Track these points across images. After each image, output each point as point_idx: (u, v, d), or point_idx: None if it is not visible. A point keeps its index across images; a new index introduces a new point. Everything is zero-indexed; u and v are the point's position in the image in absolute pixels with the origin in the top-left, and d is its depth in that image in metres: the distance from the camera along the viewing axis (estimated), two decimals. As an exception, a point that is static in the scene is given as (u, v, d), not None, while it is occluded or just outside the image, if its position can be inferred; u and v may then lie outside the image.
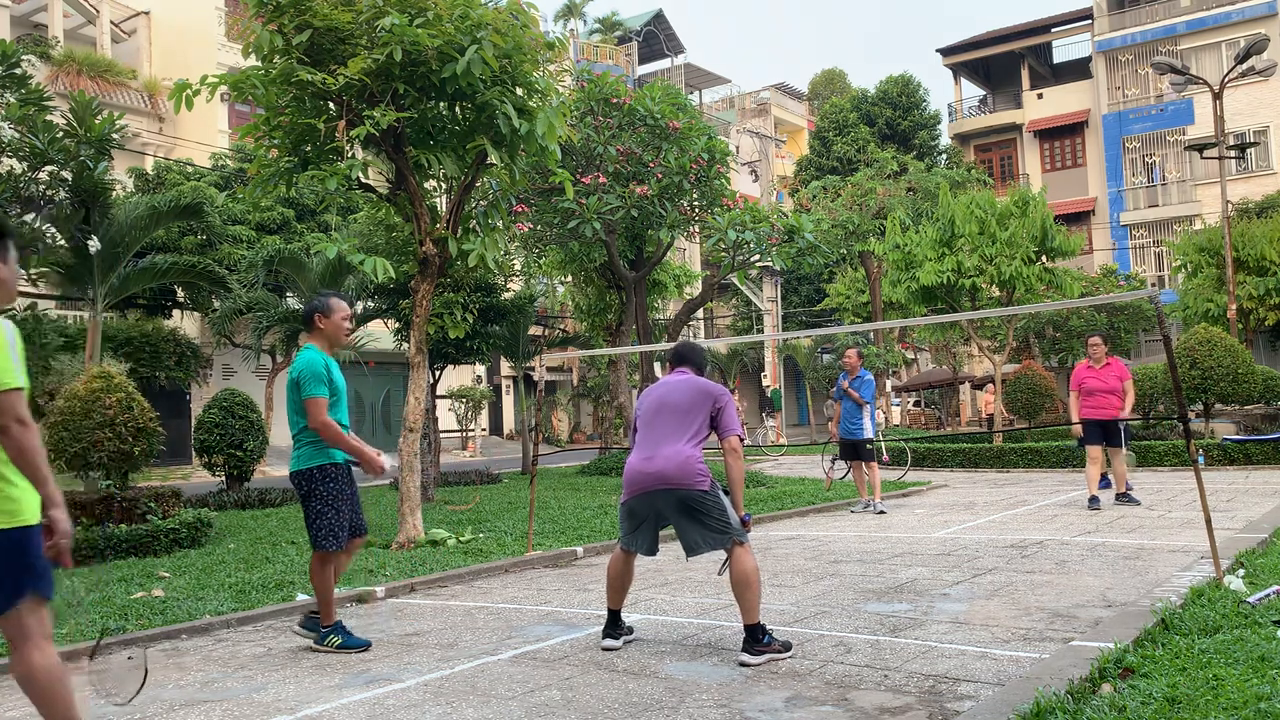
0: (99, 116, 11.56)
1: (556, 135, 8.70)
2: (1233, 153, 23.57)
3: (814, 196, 30.18)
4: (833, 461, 14.60)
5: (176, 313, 23.59)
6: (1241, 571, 6.13)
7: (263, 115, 8.81)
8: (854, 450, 11.80)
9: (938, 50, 42.97)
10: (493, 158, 8.87)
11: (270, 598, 6.78)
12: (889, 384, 33.87)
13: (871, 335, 30.51)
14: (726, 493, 5.15)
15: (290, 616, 6.44)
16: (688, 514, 5.05)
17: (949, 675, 4.49)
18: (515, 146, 8.94)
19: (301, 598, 6.68)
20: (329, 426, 5.38)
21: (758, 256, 16.12)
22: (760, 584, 5.02)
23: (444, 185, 11.23)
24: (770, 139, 47.76)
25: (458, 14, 8.15)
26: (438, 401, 17.16)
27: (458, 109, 9.09)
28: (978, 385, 36.15)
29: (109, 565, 8.39)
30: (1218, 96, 20.98)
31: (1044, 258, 19.39)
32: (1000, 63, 42.49)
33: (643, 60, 48.11)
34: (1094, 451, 10.79)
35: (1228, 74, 21.21)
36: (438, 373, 17.07)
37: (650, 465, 5.10)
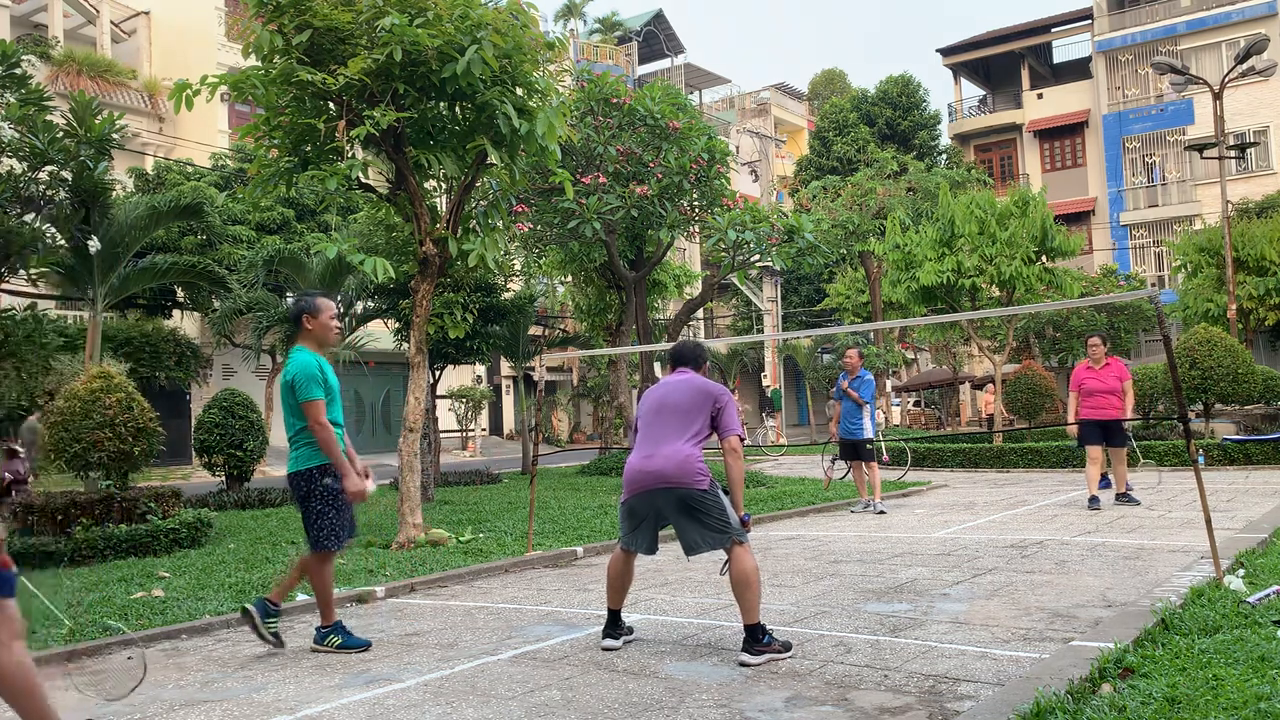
0: (99, 116, 11.55)
1: (556, 135, 8.70)
2: (1233, 153, 23.58)
3: (814, 196, 30.17)
4: (832, 461, 14.61)
5: (176, 313, 23.59)
6: (1241, 571, 6.13)
7: (263, 115, 8.81)
8: (854, 450, 11.80)
9: (938, 50, 42.99)
10: (493, 158, 8.87)
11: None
12: (889, 384, 33.87)
13: (871, 335, 30.51)
14: (726, 492, 5.15)
15: (291, 616, 6.44)
16: (687, 513, 5.05)
17: (949, 675, 4.49)
18: (515, 146, 8.94)
19: (302, 598, 6.68)
20: (326, 428, 5.37)
21: (758, 256, 16.12)
22: (760, 584, 5.02)
23: (444, 185, 11.23)
24: (770, 139, 47.76)
25: (458, 14, 8.15)
26: (438, 401, 17.17)
27: (458, 109, 9.09)
28: (978, 385, 36.15)
29: (109, 565, 8.40)
30: (1218, 96, 20.98)
31: (1044, 258, 19.38)
32: (1000, 63, 42.50)
33: (643, 60, 48.11)
34: (1094, 452, 10.78)
35: (1228, 74, 21.21)
36: (438, 373, 17.07)
37: (650, 464, 5.11)
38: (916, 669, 4.61)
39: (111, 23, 31.63)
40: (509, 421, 37.65)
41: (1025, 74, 41.20)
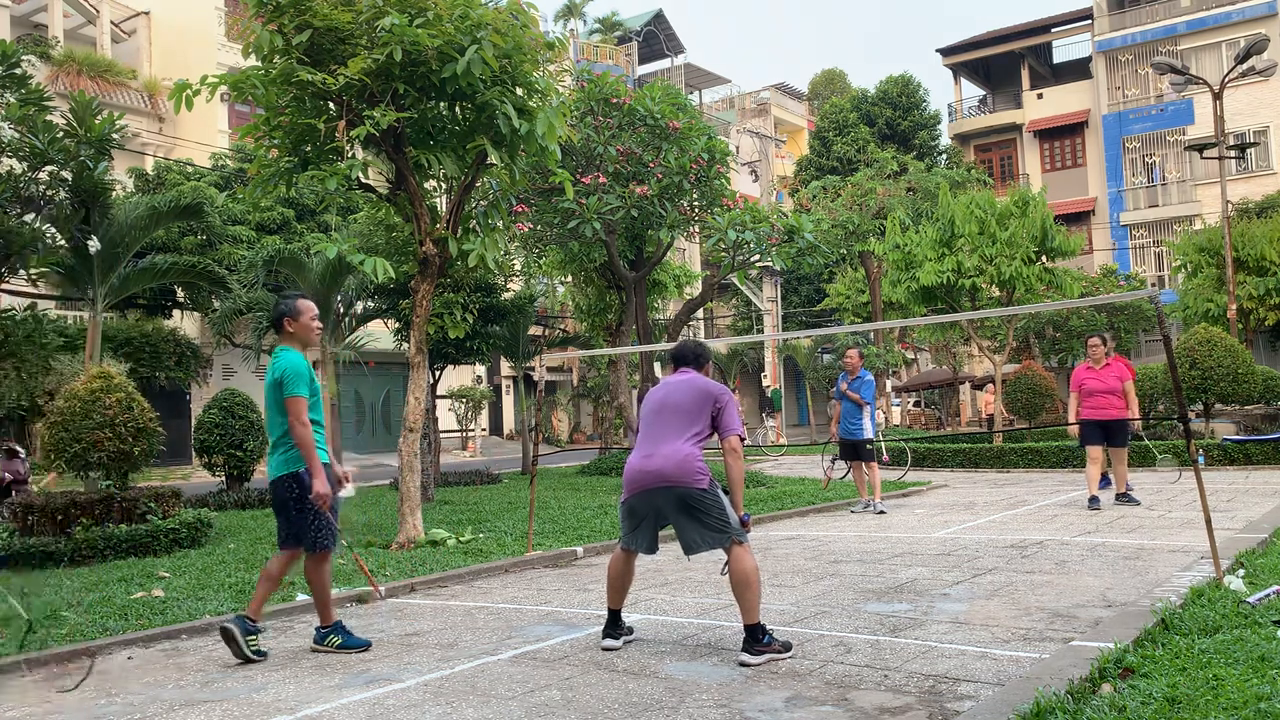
0: (99, 116, 11.55)
1: (556, 135, 8.69)
2: (1233, 153, 23.58)
3: (814, 196, 30.17)
4: (832, 461, 14.60)
5: (176, 313, 23.58)
6: (1241, 571, 6.13)
7: (263, 115, 8.81)
8: (854, 450, 11.80)
9: (938, 50, 42.98)
10: (493, 158, 8.87)
11: (270, 598, 6.77)
12: (889, 384, 33.86)
13: (871, 335, 30.51)
14: (726, 492, 5.15)
15: (291, 616, 6.45)
16: (686, 512, 5.06)
17: (949, 675, 4.49)
18: (515, 146, 8.94)
19: (302, 598, 6.68)
20: (307, 427, 5.34)
21: (758, 256, 16.12)
22: (760, 584, 5.02)
23: (444, 185, 11.22)
24: (770, 139, 47.76)
25: (458, 14, 8.15)
26: (438, 401, 17.17)
27: (458, 109, 9.09)
28: (978, 385, 36.14)
29: (109, 565, 8.40)
30: (1218, 96, 20.98)
31: (1044, 258, 19.38)
32: (1000, 63, 42.50)
33: (643, 60, 48.11)
34: (1094, 452, 10.78)
35: (1228, 74, 21.21)
36: (438, 373, 17.07)
37: (649, 463, 5.12)
38: (916, 669, 4.61)
39: (111, 23, 31.63)
40: (509, 421, 37.65)
41: (1025, 74, 41.20)
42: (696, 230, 17.38)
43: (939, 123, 42.61)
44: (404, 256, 12.95)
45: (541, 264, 19.00)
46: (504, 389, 36.82)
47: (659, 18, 47.73)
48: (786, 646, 4.94)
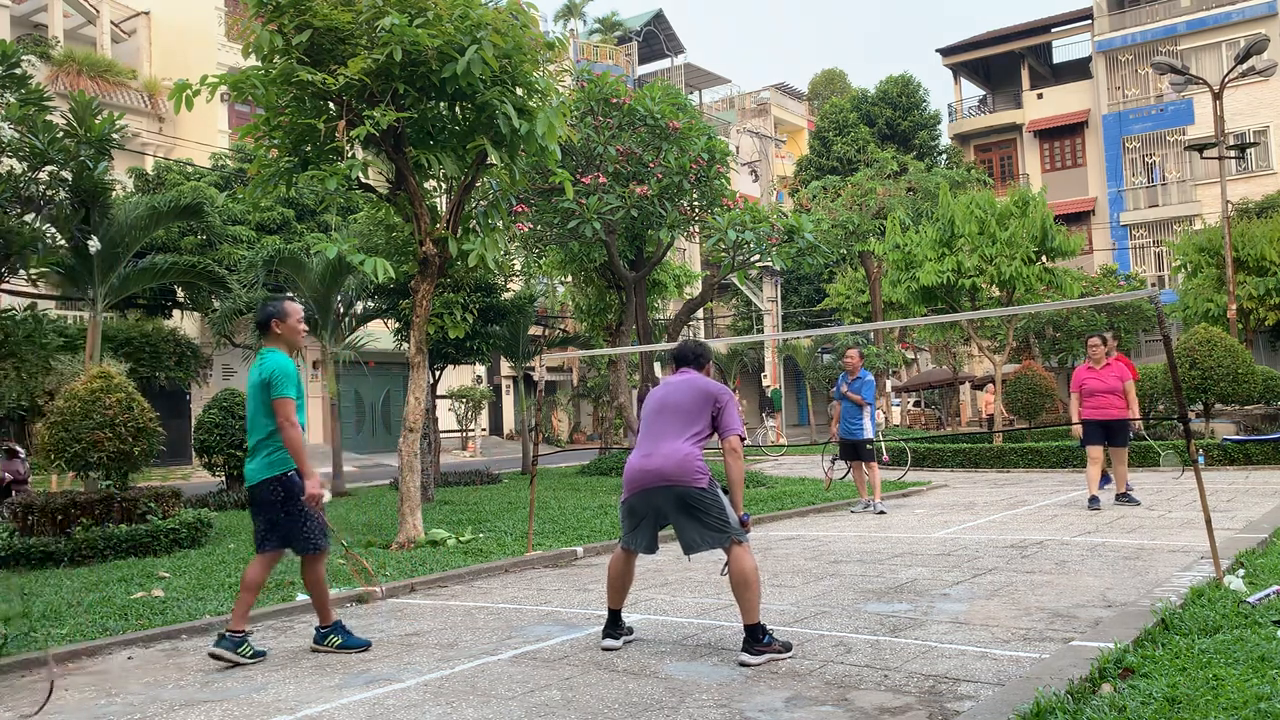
0: (99, 116, 11.54)
1: (556, 135, 8.70)
2: (1233, 153, 23.57)
3: (814, 196, 30.17)
4: (832, 461, 14.60)
5: (176, 313, 23.57)
6: (1241, 571, 6.13)
7: (263, 115, 8.81)
8: (854, 450, 11.80)
9: (938, 50, 42.98)
10: (493, 158, 8.87)
11: (270, 598, 6.78)
12: (889, 384, 33.87)
13: (871, 335, 30.51)
14: (726, 492, 5.15)
15: (291, 616, 6.45)
16: (686, 511, 5.06)
17: (949, 675, 4.49)
18: (515, 146, 8.94)
19: (301, 598, 6.67)
20: (297, 428, 5.29)
21: (758, 256, 16.12)
22: (760, 584, 5.02)
23: (444, 185, 11.22)
24: (770, 139, 47.76)
25: (458, 14, 8.15)
26: (438, 401, 17.16)
27: (458, 109, 9.09)
28: (978, 385, 36.15)
29: (109, 565, 8.40)
30: (1218, 96, 20.98)
31: (1044, 258, 19.38)
32: (1000, 63, 42.50)
33: (643, 60, 48.11)
34: (1094, 452, 10.78)
35: (1228, 74, 21.20)
36: (438, 373, 17.07)
37: (649, 463, 5.12)
38: (916, 669, 4.61)
39: (111, 23, 31.63)
40: (509, 421, 37.65)
41: (1025, 74, 41.20)
42: (696, 230, 17.38)
43: (939, 123, 42.62)
44: (404, 256, 12.95)
45: (541, 264, 19.00)
46: (504, 389, 36.82)
47: (659, 18, 47.73)
48: (786, 646, 4.94)
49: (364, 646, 5.43)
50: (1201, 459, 11.77)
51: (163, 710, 4.47)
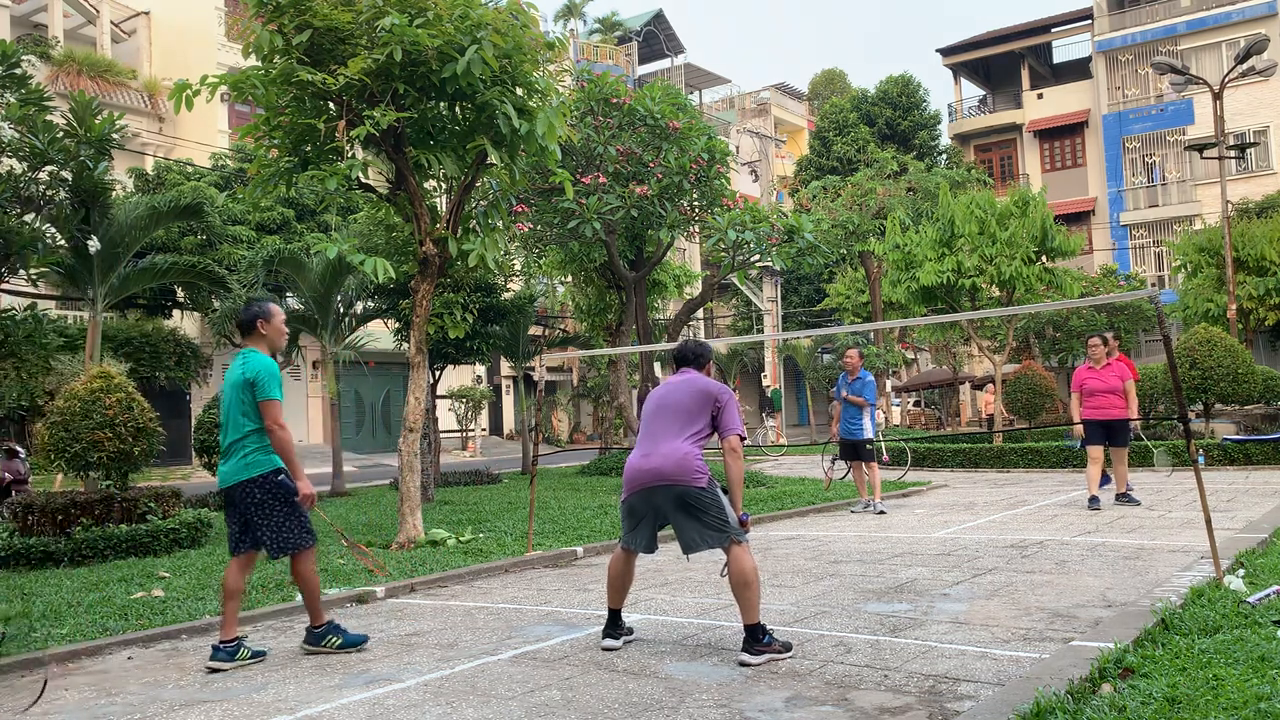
0: (99, 116, 11.54)
1: (556, 135, 8.70)
2: (1233, 153, 23.57)
3: (814, 196, 30.17)
4: (832, 461, 14.60)
5: (176, 313, 23.57)
6: (1241, 571, 6.13)
7: (263, 115, 8.81)
8: (854, 450, 11.80)
9: (938, 50, 42.98)
10: (493, 158, 8.87)
11: (270, 598, 6.78)
12: (889, 384, 33.87)
13: (871, 335, 30.51)
14: (725, 491, 5.15)
15: (292, 617, 6.44)
16: (685, 511, 5.06)
17: (949, 675, 4.49)
18: (515, 146, 8.94)
19: (301, 598, 6.67)
20: (286, 430, 5.26)
21: (758, 256, 16.12)
22: (760, 584, 5.02)
23: (444, 185, 11.22)
24: (770, 139, 47.76)
25: (458, 14, 8.15)
26: (438, 401, 17.16)
27: (458, 109, 9.09)
28: (978, 385, 36.14)
29: (109, 565, 8.40)
30: (1218, 96, 20.97)
31: (1044, 258, 19.38)
32: (1000, 63, 42.50)
33: (643, 60, 48.11)
34: (1095, 452, 10.77)
35: (1228, 74, 21.20)
36: (438, 373, 17.06)
37: (648, 462, 5.12)
38: (916, 669, 4.61)
39: (111, 23, 31.63)
40: (509, 421, 37.65)
41: (1025, 74, 41.20)
42: (696, 230, 17.38)
43: (939, 123, 42.62)
44: (404, 256, 12.94)
45: (541, 264, 19.00)
46: (504, 389, 36.83)
47: (659, 18, 47.73)
48: (786, 646, 4.94)
49: (362, 642, 5.42)
50: (1201, 459, 11.77)
51: (163, 710, 4.47)
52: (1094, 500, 10.64)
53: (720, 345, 38.29)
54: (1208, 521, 6.24)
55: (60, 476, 14.22)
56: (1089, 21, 39.56)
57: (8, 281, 12.41)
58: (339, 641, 5.38)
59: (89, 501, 9.10)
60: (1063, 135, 40.18)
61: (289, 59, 8.25)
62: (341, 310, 16.29)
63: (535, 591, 7.12)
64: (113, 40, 31.55)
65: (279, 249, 15.49)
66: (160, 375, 21.44)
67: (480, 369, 33.49)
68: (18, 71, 11.03)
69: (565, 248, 17.01)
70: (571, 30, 45.81)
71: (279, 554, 5.31)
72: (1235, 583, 5.71)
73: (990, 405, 28.06)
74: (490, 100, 8.41)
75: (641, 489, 5.15)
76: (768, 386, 36.84)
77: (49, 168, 11.31)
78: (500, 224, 10.27)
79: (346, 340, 16.93)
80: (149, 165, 24.50)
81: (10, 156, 11.14)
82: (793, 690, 4.37)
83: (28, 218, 11.45)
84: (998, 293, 19.68)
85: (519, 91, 8.84)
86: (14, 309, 12.36)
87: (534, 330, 21.99)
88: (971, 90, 44.36)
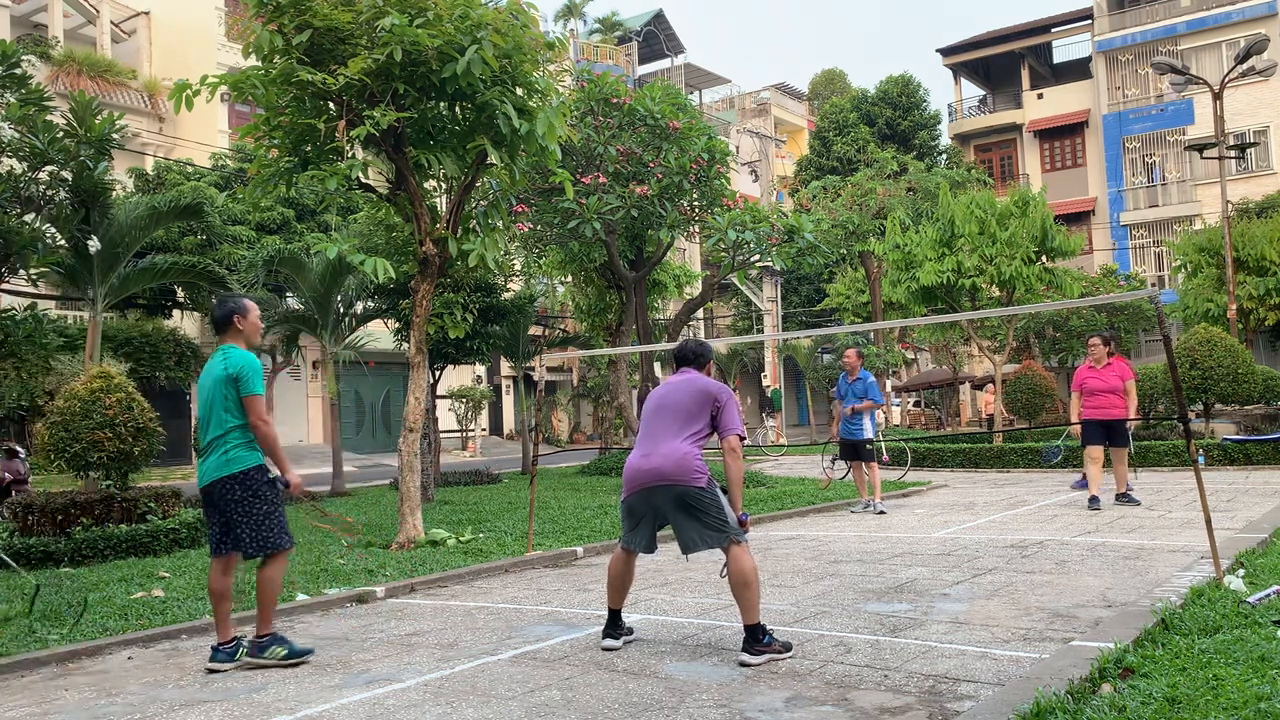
0: (99, 116, 11.54)
1: (556, 135, 8.70)
2: (1233, 153, 23.56)
3: (814, 196, 30.18)
4: (832, 461, 14.60)
5: (176, 313, 23.53)
6: (1241, 571, 6.13)
7: (263, 115, 8.81)
8: (854, 450, 11.80)
9: (938, 50, 42.98)
10: (493, 158, 8.87)
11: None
12: (889, 384, 33.87)
13: (871, 335, 30.51)
14: (725, 491, 5.15)
15: (291, 617, 6.44)
16: (685, 511, 5.06)
17: (949, 675, 4.49)
18: (515, 146, 8.94)
19: (302, 597, 6.68)
20: (270, 425, 5.21)
21: (758, 256, 16.12)
22: (759, 584, 5.02)
23: (444, 185, 11.22)
24: (770, 139, 47.76)
25: (458, 14, 8.15)
26: (438, 401, 17.16)
27: (458, 109, 9.09)
28: (978, 385, 36.15)
29: (109, 565, 8.40)
30: (1218, 96, 20.97)
31: (1044, 258, 19.39)
32: (1000, 63, 42.50)
33: (643, 60, 48.10)
34: (1095, 451, 10.78)
35: (1228, 74, 21.20)
36: (438, 373, 17.06)
37: (647, 462, 5.12)
38: (916, 669, 4.61)
39: (111, 23, 31.63)
40: (509, 421, 37.65)
41: (1025, 74, 41.19)
42: (696, 230, 17.38)
43: (939, 123, 42.62)
44: (404, 256, 12.94)
45: (541, 264, 19.00)
46: (504, 389, 36.83)
47: (659, 18, 47.73)
48: (786, 646, 4.94)
49: (308, 654, 5.22)
50: (1201, 459, 11.78)
51: (163, 710, 4.47)
52: (1094, 500, 10.64)
53: (720, 345, 38.29)
54: (1208, 521, 6.24)
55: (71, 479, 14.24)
56: (1089, 21, 39.56)
57: (8, 281, 12.41)
58: (283, 653, 5.15)
59: (89, 501, 9.10)
60: (1063, 135, 40.18)
61: (289, 59, 8.25)
62: (341, 310, 16.29)
63: (535, 591, 7.12)
64: (113, 40, 31.54)
65: (279, 249, 15.49)
66: (160, 375, 21.41)
67: (480, 369, 33.49)
68: (18, 71, 11.03)
69: (565, 248, 17.01)
70: (571, 30, 45.83)
71: (256, 553, 5.16)
72: (1235, 583, 5.71)
73: (990, 405, 28.06)
74: (490, 100, 8.41)
75: (641, 489, 5.15)
76: (768, 386, 36.85)
77: (49, 168, 11.31)
78: (500, 224, 10.27)
79: (346, 340, 16.93)
80: (149, 165, 24.49)
81: (10, 156, 11.14)
82: (793, 690, 4.37)
83: (28, 218, 11.45)
84: (998, 293, 19.68)
85: (519, 91, 8.84)
86: (14, 309, 12.36)
87: (534, 330, 22.00)
88: (971, 90, 44.39)
